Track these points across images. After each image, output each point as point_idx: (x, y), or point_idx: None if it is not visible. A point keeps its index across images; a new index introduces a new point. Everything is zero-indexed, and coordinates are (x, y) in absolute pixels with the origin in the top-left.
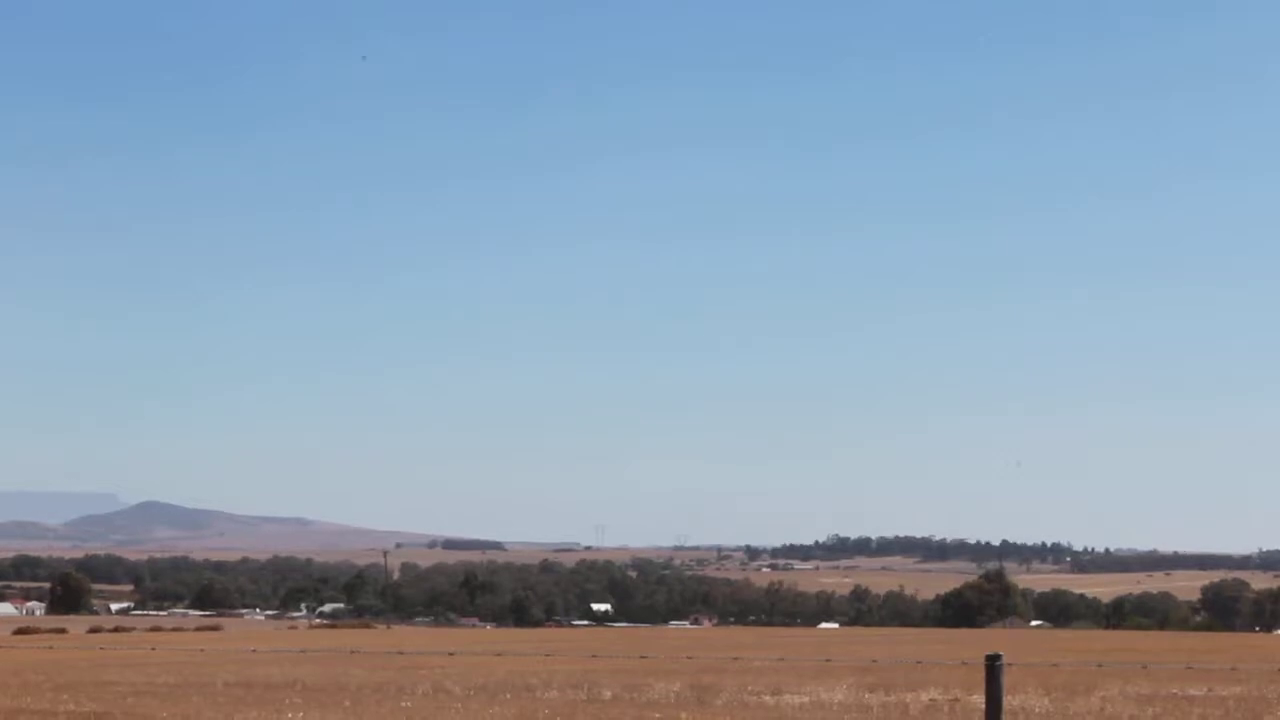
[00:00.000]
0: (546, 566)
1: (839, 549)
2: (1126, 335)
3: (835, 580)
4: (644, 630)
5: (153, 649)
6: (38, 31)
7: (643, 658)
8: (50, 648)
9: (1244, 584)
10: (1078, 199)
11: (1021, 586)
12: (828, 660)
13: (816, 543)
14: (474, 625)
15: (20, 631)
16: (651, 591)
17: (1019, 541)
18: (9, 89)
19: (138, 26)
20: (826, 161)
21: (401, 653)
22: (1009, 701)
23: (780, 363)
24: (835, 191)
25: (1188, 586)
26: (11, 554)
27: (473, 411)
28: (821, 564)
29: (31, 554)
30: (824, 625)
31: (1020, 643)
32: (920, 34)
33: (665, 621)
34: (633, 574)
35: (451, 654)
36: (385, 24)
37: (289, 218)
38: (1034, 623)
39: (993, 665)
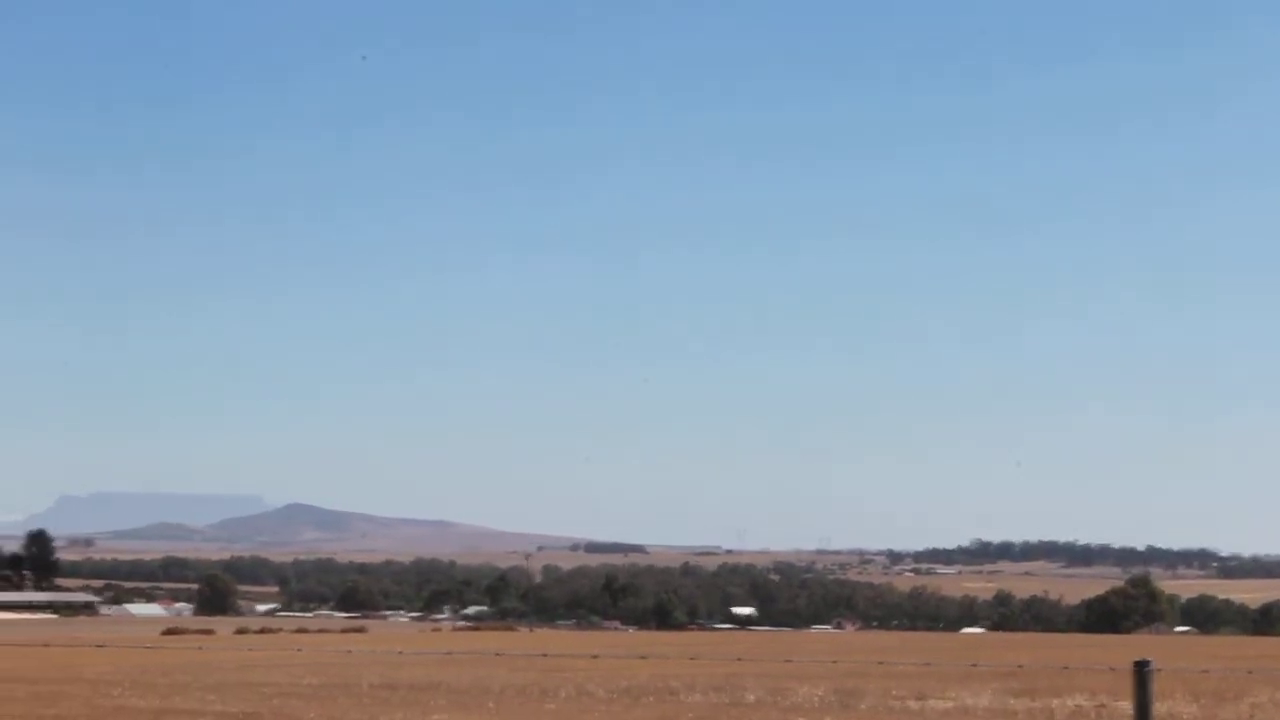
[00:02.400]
0: (688, 569)
1: (982, 554)
2: (1269, 336)
3: (978, 585)
4: (786, 634)
5: (299, 650)
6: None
7: (787, 661)
8: (200, 649)
9: None
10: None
11: (1167, 592)
12: (974, 665)
13: (959, 547)
14: (616, 628)
15: (168, 632)
16: (794, 595)
17: (1165, 546)
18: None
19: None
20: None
21: (546, 655)
22: (1157, 708)
23: (925, 366)
24: (991, 196)
25: None
26: (160, 555)
27: (615, 414)
28: (964, 569)
29: (179, 555)
30: (967, 630)
31: (1167, 649)
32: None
33: (807, 625)
34: (774, 577)
35: (595, 656)
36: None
37: (424, 213)
38: (1180, 629)
39: (1141, 671)
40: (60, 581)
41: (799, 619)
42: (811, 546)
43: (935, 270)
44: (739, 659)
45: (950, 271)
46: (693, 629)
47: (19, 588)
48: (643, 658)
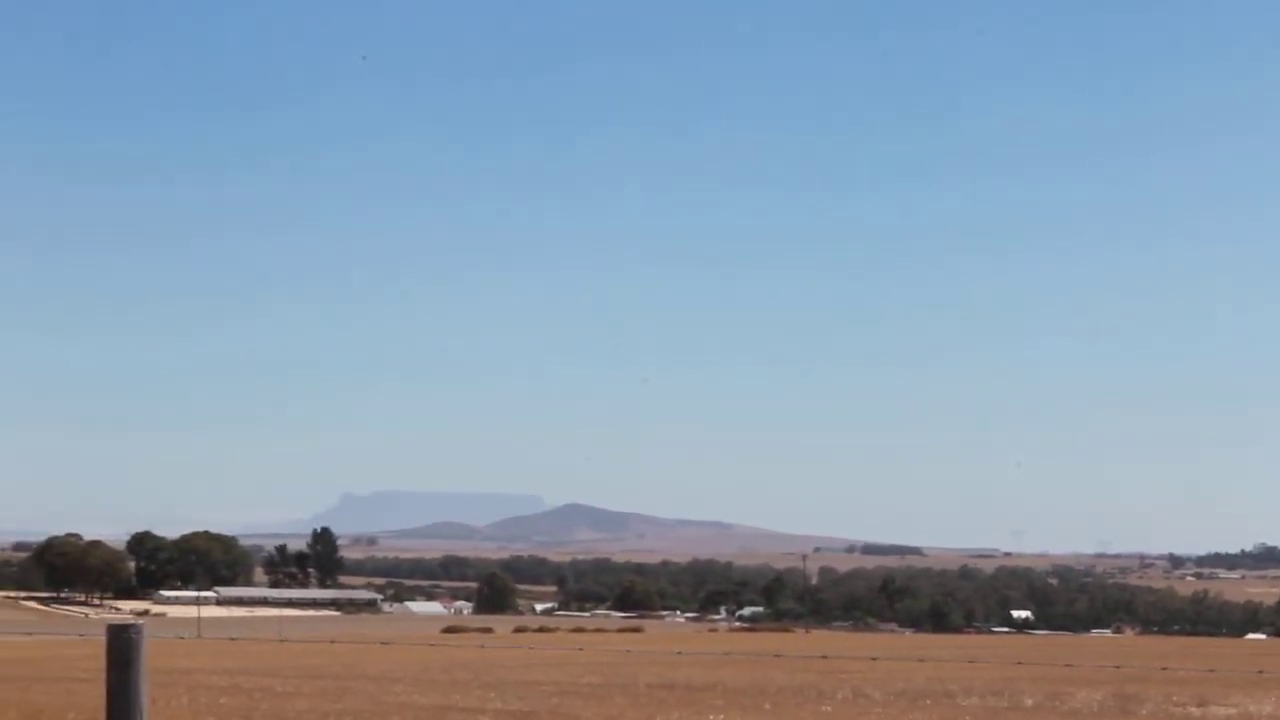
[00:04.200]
0: (965, 572)
1: (1267, 558)
2: None
3: (1262, 590)
4: (1065, 638)
5: (580, 649)
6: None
7: (1067, 666)
8: (482, 647)
9: None
10: None
11: None
12: (1260, 671)
13: (1243, 551)
14: (892, 630)
15: (449, 630)
16: (1072, 599)
17: None
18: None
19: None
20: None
21: (825, 657)
22: None
23: (1207, 365)
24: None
25: None
26: (440, 554)
27: (888, 414)
28: (1248, 573)
29: (459, 554)
30: (1250, 636)
31: None
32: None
33: (1086, 630)
34: (1053, 581)
35: (874, 659)
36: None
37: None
38: None
39: None
40: (343, 579)
41: (1077, 623)
42: (1090, 550)
43: (1215, 265)
44: (1018, 662)
45: (1229, 266)
46: (969, 632)
47: (304, 585)
48: (921, 660)
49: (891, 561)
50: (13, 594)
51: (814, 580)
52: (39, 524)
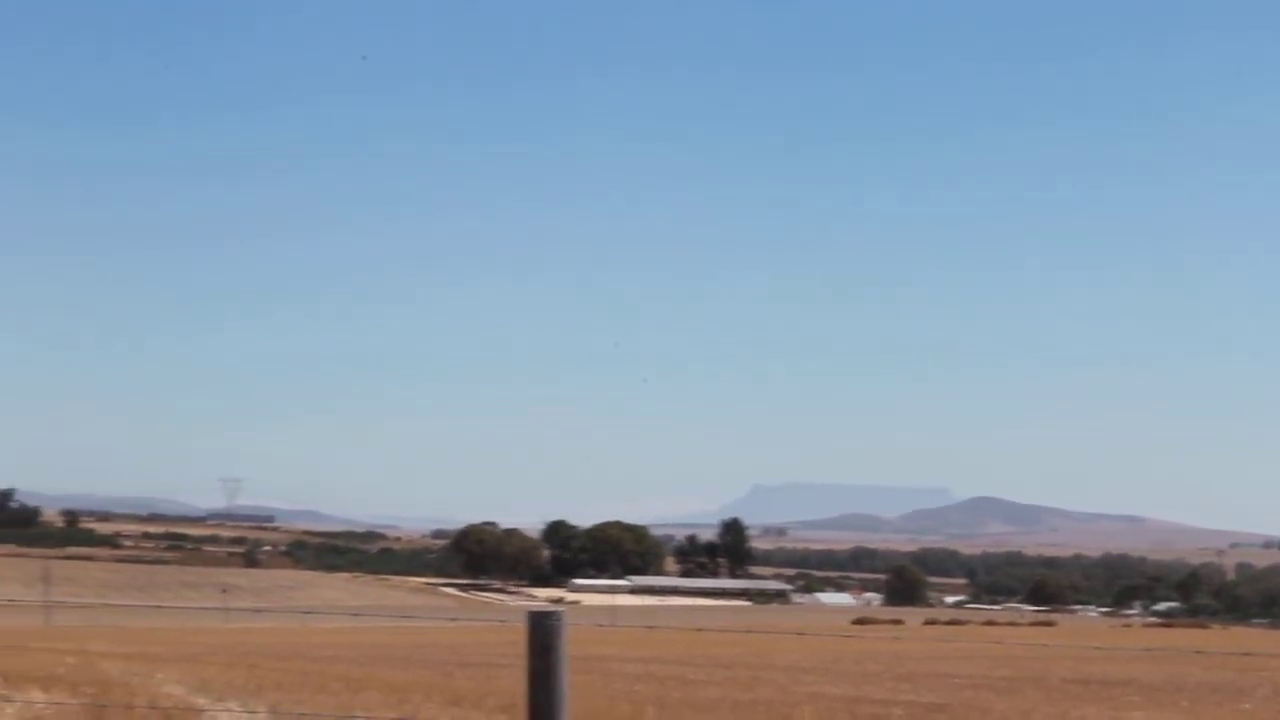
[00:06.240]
0: None
1: None
2: None
3: None
4: None
5: (999, 643)
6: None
7: None
8: (897, 639)
9: None
10: None
11: None
12: None
13: None
14: None
15: (858, 622)
16: None
17: None
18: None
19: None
20: None
21: (1247, 654)
22: None
23: None
24: None
25: None
26: (849, 546)
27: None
28: None
29: (868, 546)
30: None
31: None
32: None
33: None
34: None
35: None
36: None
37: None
38: None
39: None
40: (753, 569)
41: None
42: None
43: None
44: None
45: None
46: None
47: (714, 575)
48: None
49: None
50: (432, 580)
51: (1231, 576)
52: (458, 512)
